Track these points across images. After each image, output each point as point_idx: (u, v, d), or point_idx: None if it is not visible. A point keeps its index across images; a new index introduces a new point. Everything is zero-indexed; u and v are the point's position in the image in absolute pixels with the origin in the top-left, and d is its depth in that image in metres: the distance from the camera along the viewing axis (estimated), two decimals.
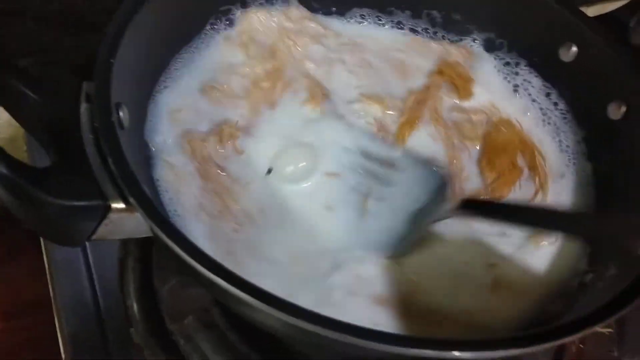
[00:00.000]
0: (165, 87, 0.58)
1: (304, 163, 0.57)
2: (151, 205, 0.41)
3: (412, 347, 0.38)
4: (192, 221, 0.51)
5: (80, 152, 0.44)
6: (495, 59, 0.68)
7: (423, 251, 0.54)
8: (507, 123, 0.64)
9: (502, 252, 0.54)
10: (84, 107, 0.46)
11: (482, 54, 0.68)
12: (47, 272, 0.64)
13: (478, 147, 0.63)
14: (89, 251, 0.64)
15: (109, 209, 0.42)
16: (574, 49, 0.63)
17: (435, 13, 0.69)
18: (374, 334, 0.38)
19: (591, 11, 0.80)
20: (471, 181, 0.60)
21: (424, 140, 0.62)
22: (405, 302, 0.49)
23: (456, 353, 0.38)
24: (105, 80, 0.47)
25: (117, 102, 0.47)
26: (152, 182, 0.54)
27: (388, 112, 0.63)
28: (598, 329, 0.63)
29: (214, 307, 0.59)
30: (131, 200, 0.41)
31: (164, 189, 0.52)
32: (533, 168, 0.61)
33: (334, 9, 0.69)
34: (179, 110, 0.56)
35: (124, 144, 0.45)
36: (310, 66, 0.64)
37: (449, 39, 0.69)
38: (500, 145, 0.62)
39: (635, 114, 0.57)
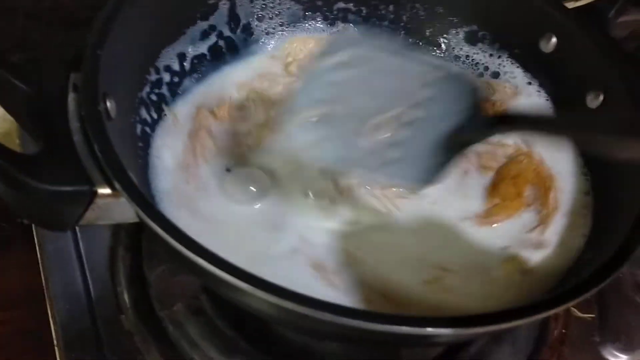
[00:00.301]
0: None
1: None
2: (136, 190, 0.43)
3: (394, 324, 0.39)
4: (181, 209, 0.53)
5: (67, 141, 0.45)
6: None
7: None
8: (527, 154, 0.63)
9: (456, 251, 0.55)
10: (71, 97, 0.48)
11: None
12: (40, 262, 0.65)
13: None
14: (80, 241, 0.65)
15: (95, 194, 0.43)
16: (554, 39, 0.65)
17: (418, 6, 0.71)
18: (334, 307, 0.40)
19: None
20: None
21: None
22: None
23: (429, 329, 0.39)
24: (92, 70, 0.48)
25: (105, 93, 0.49)
26: (142, 171, 0.55)
27: None
28: (580, 314, 0.66)
29: (203, 294, 0.60)
30: (116, 185, 0.42)
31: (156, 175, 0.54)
32: (543, 204, 0.60)
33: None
34: None
35: (112, 134, 0.46)
36: None
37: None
38: (512, 174, 0.61)
39: (612, 101, 0.59)
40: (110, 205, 0.44)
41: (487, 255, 0.55)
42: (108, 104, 0.49)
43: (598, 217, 0.57)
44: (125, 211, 0.45)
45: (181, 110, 0.62)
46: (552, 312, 0.42)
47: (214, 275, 0.40)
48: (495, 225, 0.58)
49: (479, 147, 0.60)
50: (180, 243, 0.40)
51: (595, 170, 0.61)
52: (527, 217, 0.59)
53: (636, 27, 0.97)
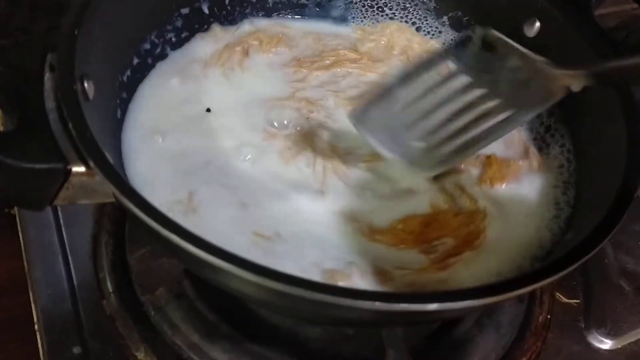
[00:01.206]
0: None
1: None
2: (110, 167, 0.43)
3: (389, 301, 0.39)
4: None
5: (43, 120, 0.45)
6: None
7: None
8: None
9: None
10: (47, 76, 0.47)
11: None
12: (22, 249, 0.65)
13: None
14: (63, 228, 0.65)
15: (69, 172, 0.43)
16: (538, 24, 0.64)
17: None
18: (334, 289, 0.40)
19: None
20: None
21: None
22: None
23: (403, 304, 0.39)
24: (68, 50, 0.48)
25: (82, 74, 0.48)
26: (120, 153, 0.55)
27: None
28: (565, 299, 0.65)
29: (185, 279, 0.60)
30: (90, 163, 0.42)
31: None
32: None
33: None
34: None
35: (89, 114, 0.46)
36: None
37: None
38: None
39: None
40: (86, 183, 0.44)
41: None
42: (86, 84, 0.49)
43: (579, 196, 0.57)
44: (101, 190, 0.45)
45: None
46: (530, 288, 0.42)
47: (188, 253, 0.39)
48: None
49: None
50: (153, 219, 0.40)
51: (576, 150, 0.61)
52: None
53: (625, 17, 0.97)
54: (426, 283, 0.51)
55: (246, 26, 0.70)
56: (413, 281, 0.51)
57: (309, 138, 0.61)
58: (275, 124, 0.62)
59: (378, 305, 0.39)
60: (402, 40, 0.71)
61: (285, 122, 0.62)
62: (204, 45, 0.67)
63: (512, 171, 0.59)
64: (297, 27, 0.71)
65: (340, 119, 0.62)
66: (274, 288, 0.38)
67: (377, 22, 0.72)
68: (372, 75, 0.68)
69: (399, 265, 0.52)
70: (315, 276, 0.49)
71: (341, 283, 0.49)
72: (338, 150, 0.60)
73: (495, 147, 0.60)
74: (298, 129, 0.62)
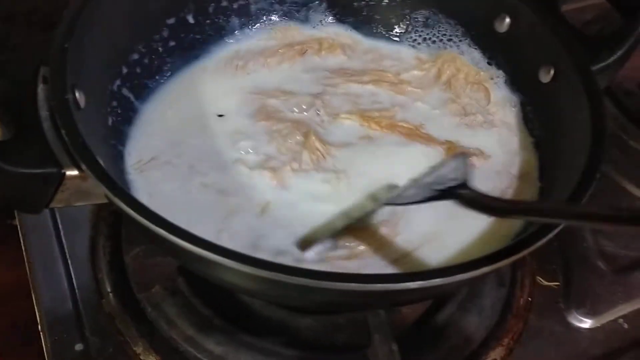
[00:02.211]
0: None
1: None
2: (101, 169, 0.45)
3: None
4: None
5: (37, 128, 0.48)
6: None
7: None
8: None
9: None
10: (40, 88, 0.50)
11: None
12: (24, 255, 0.68)
13: None
14: (62, 232, 0.68)
15: (64, 175, 0.46)
16: (508, 20, 0.68)
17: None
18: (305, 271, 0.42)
19: None
20: None
21: None
22: None
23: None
24: (59, 63, 0.51)
25: (73, 84, 0.51)
26: (115, 159, 0.58)
27: None
28: (545, 282, 0.68)
29: (179, 276, 0.62)
30: (83, 166, 0.45)
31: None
32: None
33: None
34: None
35: (81, 122, 0.49)
36: None
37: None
38: None
39: (561, 75, 0.62)
40: (80, 186, 0.47)
41: None
42: (77, 94, 0.52)
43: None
44: (94, 192, 0.48)
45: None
46: (497, 265, 0.44)
47: (178, 246, 0.42)
48: None
49: None
50: (144, 216, 0.43)
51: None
52: None
53: (600, 10, 1.00)
54: None
55: (317, 30, 0.75)
56: None
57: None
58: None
59: (354, 286, 0.42)
60: (451, 69, 0.73)
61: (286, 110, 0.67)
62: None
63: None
64: (365, 42, 0.76)
65: (339, 130, 0.66)
66: (253, 274, 0.41)
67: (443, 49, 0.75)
68: (401, 97, 0.70)
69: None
70: None
71: None
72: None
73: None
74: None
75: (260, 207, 0.58)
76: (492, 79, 0.71)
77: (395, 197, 0.56)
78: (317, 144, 0.62)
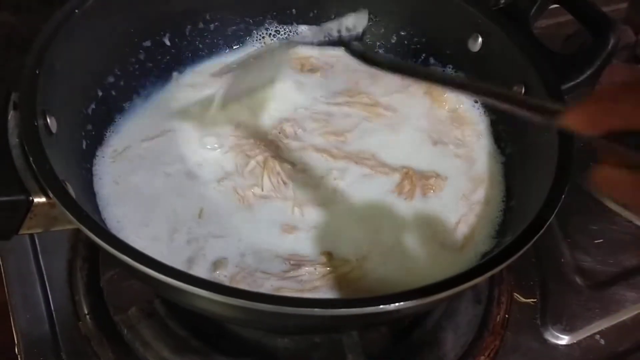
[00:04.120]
0: None
1: None
2: (69, 197, 0.46)
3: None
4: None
5: (6, 155, 0.48)
6: None
7: None
8: None
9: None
10: (11, 114, 0.51)
11: None
12: (3, 278, 0.68)
13: None
14: (40, 255, 0.68)
15: (32, 203, 0.46)
16: (480, 39, 0.68)
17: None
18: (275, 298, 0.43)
19: None
20: None
21: None
22: None
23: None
24: (29, 89, 0.51)
25: (44, 109, 0.52)
26: (88, 182, 0.59)
27: None
28: (522, 299, 0.68)
29: (156, 298, 0.63)
30: (50, 193, 0.46)
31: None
32: None
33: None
34: None
35: (52, 147, 0.50)
36: None
37: None
38: None
39: (532, 94, 0.62)
40: (48, 212, 0.48)
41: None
42: (48, 119, 0.52)
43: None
44: (63, 218, 0.48)
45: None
46: (468, 284, 0.45)
47: (145, 274, 0.43)
48: None
49: None
50: (107, 243, 0.43)
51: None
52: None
53: (581, 26, 1.01)
54: None
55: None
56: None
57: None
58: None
59: (317, 311, 0.42)
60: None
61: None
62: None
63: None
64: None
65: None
66: (223, 302, 0.42)
67: None
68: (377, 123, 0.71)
69: None
70: None
71: None
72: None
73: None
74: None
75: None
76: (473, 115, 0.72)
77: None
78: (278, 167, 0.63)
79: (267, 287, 0.54)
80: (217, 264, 0.56)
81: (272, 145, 0.66)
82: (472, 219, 0.62)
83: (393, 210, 0.61)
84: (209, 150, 0.65)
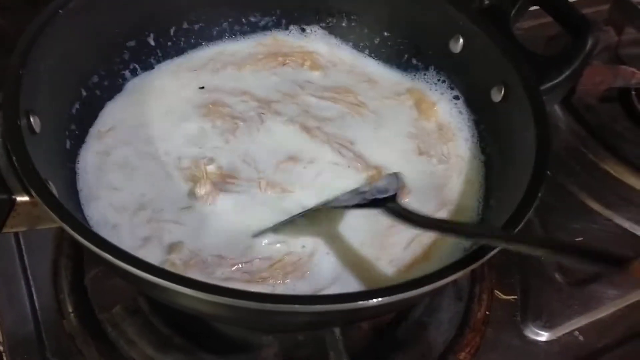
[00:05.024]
0: None
1: None
2: (51, 196, 0.46)
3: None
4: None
5: None
6: None
7: None
8: None
9: None
10: None
11: None
12: None
13: None
14: (24, 253, 0.69)
15: (14, 202, 0.47)
16: (461, 40, 0.69)
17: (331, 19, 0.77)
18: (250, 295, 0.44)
19: None
20: None
21: None
22: None
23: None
24: (13, 89, 0.52)
25: (28, 109, 0.52)
26: (71, 181, 0.59)
27: None
28: (503, 296, 0.69)
29: (140, 296, 0.63)
30: (32, 192, 0.46)
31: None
32: None
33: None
34: None
35: (36, 147, 0.50)
36: None
37: None
38: None
39: (511, 94, 0.63)
40: (31, 211, 0.48)
41: None
42: (32, 119, 0.52)
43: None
44: (46, 217, 0.48)
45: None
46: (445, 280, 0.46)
47: (125, 271, 0.43)
48: None
49: None
50: (90, 242, 0.44)
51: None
52: None
53: None
54: None
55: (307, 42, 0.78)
56: None
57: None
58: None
59: (298, 307, 0.43)
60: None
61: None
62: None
63: None
64: (348, 62, 0.78)
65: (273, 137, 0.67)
66: (204, 299, 0.42)
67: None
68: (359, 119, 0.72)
69: None
70: None
71: None
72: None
73: None
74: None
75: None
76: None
77: (333, 200, 0.60)
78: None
79: (218, 274, 0.55)
80: (172, 247, 0.56)
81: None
82: (426, 240, 0.60)
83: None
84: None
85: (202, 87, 0.71)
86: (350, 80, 0.75)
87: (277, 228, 0.58)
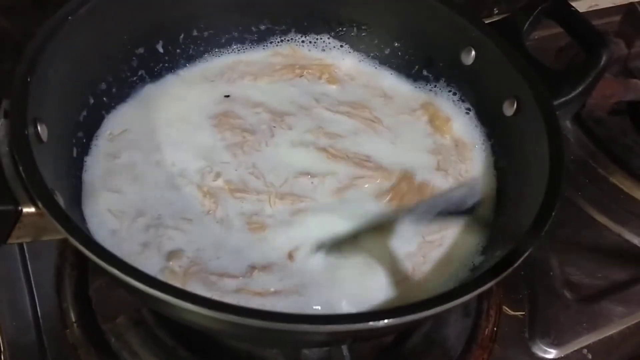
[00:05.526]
0: None
1: None
2: (58, 208, 0.46)
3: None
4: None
5: None
6: None
7: None
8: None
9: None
10: (1, 122, 0.50)
11: None
12: None
13: None
14: (28, 261, 0.68)
15: (20, 213, 0.46)
16: (473, 52, 0.69)
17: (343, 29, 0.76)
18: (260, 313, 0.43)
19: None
20: None
21: None
22: None
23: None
24: (20, 97, 0.51)
25: (35, 117, 0.51)
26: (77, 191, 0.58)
27: None
28: (511, 312, 0.69)
29: (144, 307, 0.62)
30: (39, 203, 0.45)
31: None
32: None
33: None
34: None
35: (43, 156, 0.49)
36: None
37: None
38: None
39: (524, 108, 0.62)
40: (37, 222, 0.47)
41: None
42: (39, 127, 0.52)
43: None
44: (52, 228, 0.47)
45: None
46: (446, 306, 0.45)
47: (132, 287, 0.42)
48: None
49: None
50: (97, 256, 0.43)
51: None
52: None
53: None
54: None
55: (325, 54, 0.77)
56: None
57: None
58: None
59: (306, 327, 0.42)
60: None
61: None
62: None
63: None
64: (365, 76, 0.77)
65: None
66: (211, 316, 0.42)
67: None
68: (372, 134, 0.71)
69: None
70: None
71: None
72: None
73: None
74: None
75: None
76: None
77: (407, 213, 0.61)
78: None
79: (220, 285, 0.54)
80: (172, 255, 0.56)
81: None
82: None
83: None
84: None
85: (228, 96, 0.70)
86: (366, 94, 0.74)
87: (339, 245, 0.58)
